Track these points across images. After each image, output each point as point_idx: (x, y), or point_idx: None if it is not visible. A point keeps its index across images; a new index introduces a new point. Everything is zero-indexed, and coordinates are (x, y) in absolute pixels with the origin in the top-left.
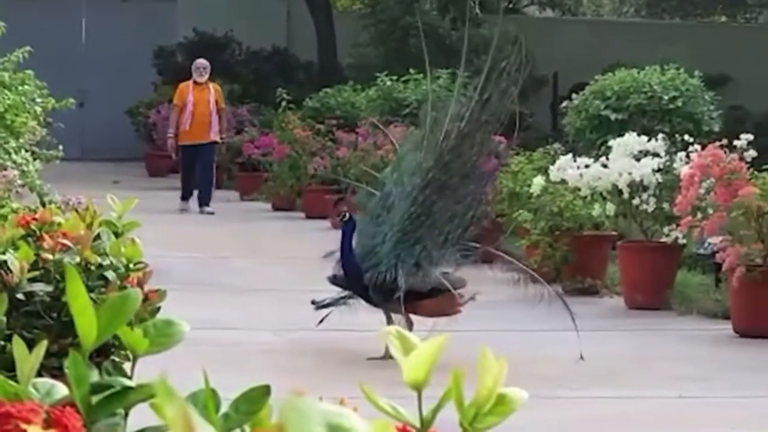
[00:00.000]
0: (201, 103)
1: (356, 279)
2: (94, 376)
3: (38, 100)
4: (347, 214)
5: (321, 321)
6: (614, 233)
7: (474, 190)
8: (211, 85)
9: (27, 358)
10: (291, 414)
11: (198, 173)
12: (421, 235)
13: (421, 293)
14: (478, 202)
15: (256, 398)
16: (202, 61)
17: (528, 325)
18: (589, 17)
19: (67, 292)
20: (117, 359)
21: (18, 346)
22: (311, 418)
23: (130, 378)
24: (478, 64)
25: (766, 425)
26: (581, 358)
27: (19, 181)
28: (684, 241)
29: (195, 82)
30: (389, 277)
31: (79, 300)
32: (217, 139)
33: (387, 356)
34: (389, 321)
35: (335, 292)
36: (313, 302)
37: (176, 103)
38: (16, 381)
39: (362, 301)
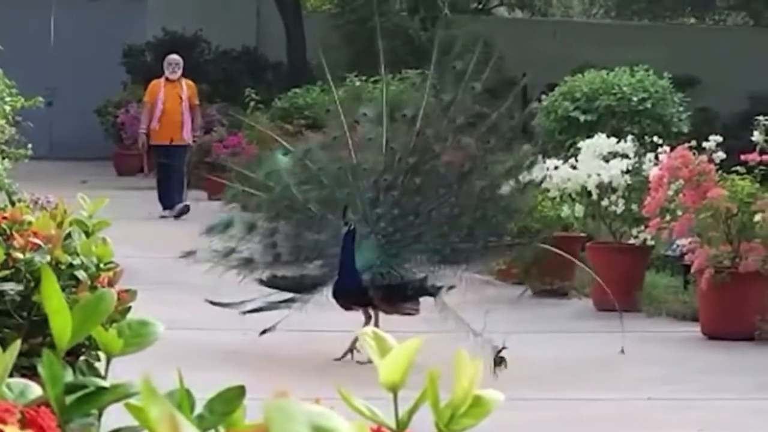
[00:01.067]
0: (172, 100)
1: (353, 283)
2: (69, 376)
3: (7, 98)
4: (351, 223)
5: (265, 331)
6: (583, 235)
7: (487, 186)
8: (183, 82)
9: (1, 357)
10: (275, 414)
11: (171, 169)
12: (421, 233)
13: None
14: (499, 197)
15: (231, 399)
16: (173, 57)
17: (498, 327)
18: (558, 18)
19: (42, 292)
20: (88, 359)
21: None
22: (296, 418)
23: (104, 378)
24: (445, 63)
25: (735, 427)
26: (622, 351)
27: None
28: (653, 242)
29: (167, 79)
30: (409, 278)
31: (53, 300)
32: (190, 140)
33: (352, 350)
34: (368, 321)
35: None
36: (211, 303)
37: (146, 100)
38: None
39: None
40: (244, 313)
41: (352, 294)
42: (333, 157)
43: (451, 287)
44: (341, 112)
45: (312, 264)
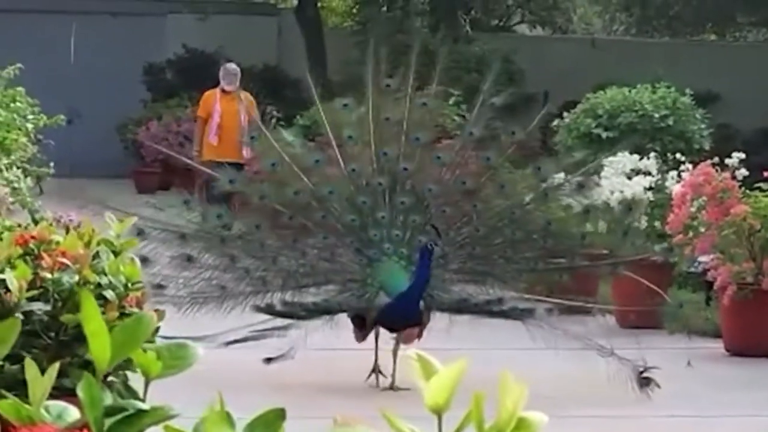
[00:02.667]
0: (229, 115)
1: (416, 307)
2: (107, 398)
3: (30, 117)
4: (434, 243)
5: (271, 360)
6: (606, 251)
7: (516, 206)
8: (242, 94)
9: (39, 380)
10: None
11: None
12: (445, 254)
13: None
14: (534, 219)
15: (271, 421)
16: (231, 66)
17: (517, 344)
18: (579, 35)
19: (82, 315)
20: (116, 379)
21: (30, 368)
22: None
23: (143, 400)
24: (468, 81)
25: None
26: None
27: (11, 199)
28: (675, 259)
29: (223, 91)
30: (472, 300)
31: (93, 323)
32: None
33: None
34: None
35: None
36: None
37: (200, 115)
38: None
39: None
40: (228, 344)
41: (410, 319)
42: (276, 183)
43: (549, 310)
44: (271, 139)
45: (319, 289)
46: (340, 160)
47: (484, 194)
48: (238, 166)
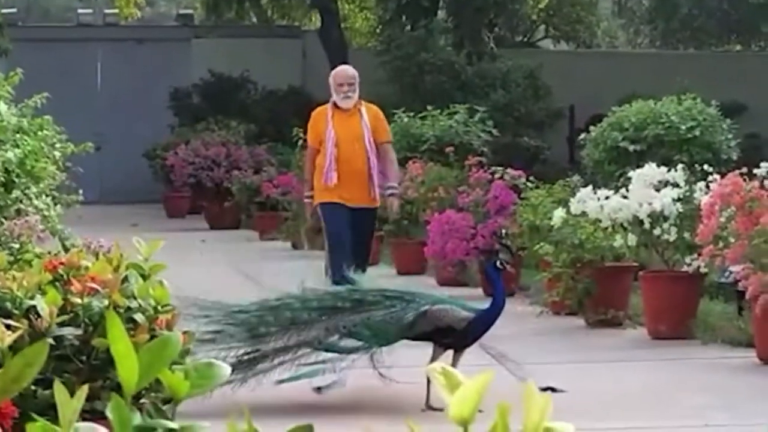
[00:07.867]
0: (348, 140)
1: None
2: (137, 419)
3: (57, 145)
4: (507, 262)
5: (323, 389)
6: (636, 264)
7: None
8: (363, 109)
9: (69, 402)
10: None
11: (350, 246)
12: None
13: None
14: None
15: None
16: (346, 72)
17: (544, 358)
18: (604, 49)
19: (109, 337)
20: (155, 402)
21: (60, 391)
22: None
23: (171, 420)
24: (494, 99)
25: None
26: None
27: (41, 226)
28: (706, 270)
29: (336, 106)
30: None
31: (120, 344)
32: (379, 200)
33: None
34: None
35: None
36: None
37: (310, 144)
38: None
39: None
40: (280, 382)
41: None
42: None
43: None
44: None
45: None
46: None
47: None
48: (367, 213)
